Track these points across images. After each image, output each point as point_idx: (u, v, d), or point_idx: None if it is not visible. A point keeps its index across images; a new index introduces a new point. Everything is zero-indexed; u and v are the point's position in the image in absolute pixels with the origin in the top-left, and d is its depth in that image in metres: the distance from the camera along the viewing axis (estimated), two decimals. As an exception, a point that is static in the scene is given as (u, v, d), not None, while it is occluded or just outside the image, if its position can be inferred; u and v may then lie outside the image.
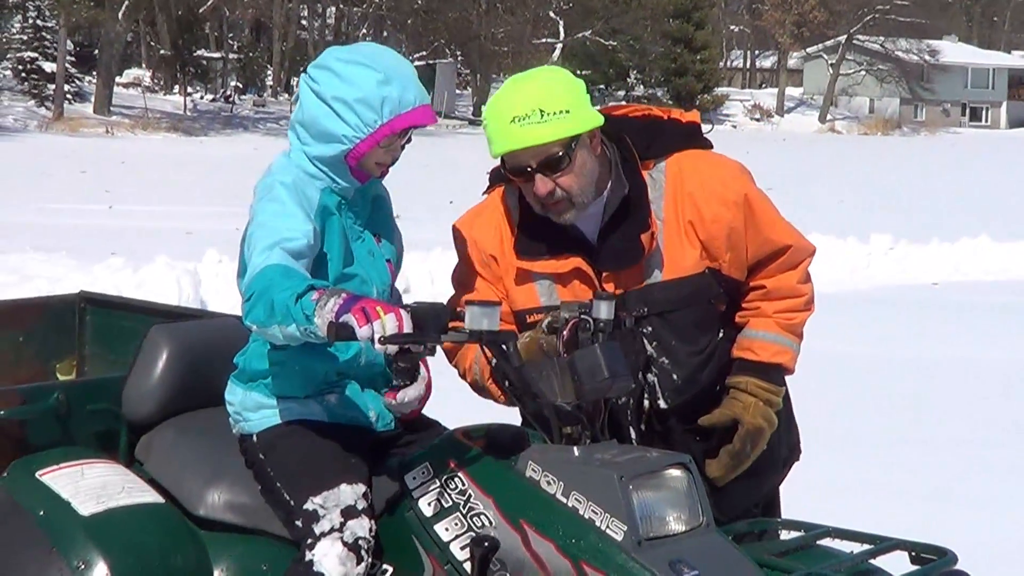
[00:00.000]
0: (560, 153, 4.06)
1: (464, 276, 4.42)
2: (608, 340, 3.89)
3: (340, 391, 4.09)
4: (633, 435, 4.32)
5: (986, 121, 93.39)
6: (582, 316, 3.90)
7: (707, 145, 4.39)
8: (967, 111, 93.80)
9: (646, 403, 4.32)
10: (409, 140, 4.08)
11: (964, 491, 8.81)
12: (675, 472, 3.76)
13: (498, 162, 4.19)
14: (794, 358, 4.39)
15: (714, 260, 4.29)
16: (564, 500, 3.68)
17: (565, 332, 3.89)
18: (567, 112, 4.05)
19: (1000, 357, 13.77)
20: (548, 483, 3.72)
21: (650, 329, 4.28)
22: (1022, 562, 7.29)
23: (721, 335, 4.38)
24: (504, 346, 3.77)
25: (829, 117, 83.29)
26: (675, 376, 4.30)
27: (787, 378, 4.43)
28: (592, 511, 3.64)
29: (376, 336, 3.49)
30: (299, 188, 3.96)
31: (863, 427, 10.51)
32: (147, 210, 26.28)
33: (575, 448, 3.77)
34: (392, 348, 3.53)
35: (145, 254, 15.97)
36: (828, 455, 8.97)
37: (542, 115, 4.03)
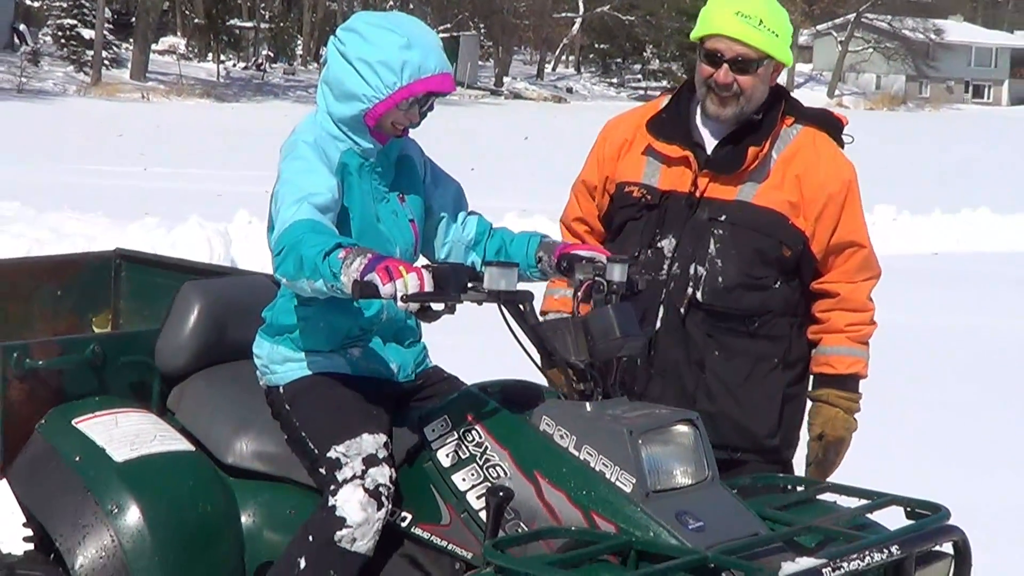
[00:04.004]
0: (752, 58, 4.45)
1: (589, 157, 4.82)
2: (620, 301, 3.90)
3: (363, 345, 4.10)
4: (659, 323, 4.50)
5: (988, 98, 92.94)
6: (596, 278, 3.92)
7: (840, 142, 4.70)
8: (970, 88, 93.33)
9: (689, 291, 4.49)
10: (431, 107, 4.07)
11: (960, 451, 8.84)
12: (683, 428, 3.77)
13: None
14: (866, 365, 4.65)
15: (804, 221, 4.51)
16: (576, 453, 3.69)
17: (580, 293, 3.91)
18: (777, 35, 4.48)
19: (998, 326, 13.80)
20: (561, 437, 3.73)
21: (720, 232, 4.51)
22: (1011, 518, 7.33)
23: (778, 285, 4.55)
24: (521, 306, 3.78)
25: (837, 92, 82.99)
26: (720, 279, 4.49)
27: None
28: (603, 464, 3.65)
29: (399, 294, 3.50)
30: (320, 146, 3.97)
31: (864, 389, 10.50)
32: (180, 172, 26.33)
33: (587, 404, 3.77)
34: (414, 306, 3.54)
35: (178, 214, 15.99)
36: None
37: (760, 23, 4.45)
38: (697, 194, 4.53)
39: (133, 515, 4.12)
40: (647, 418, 3.75)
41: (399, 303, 3.52)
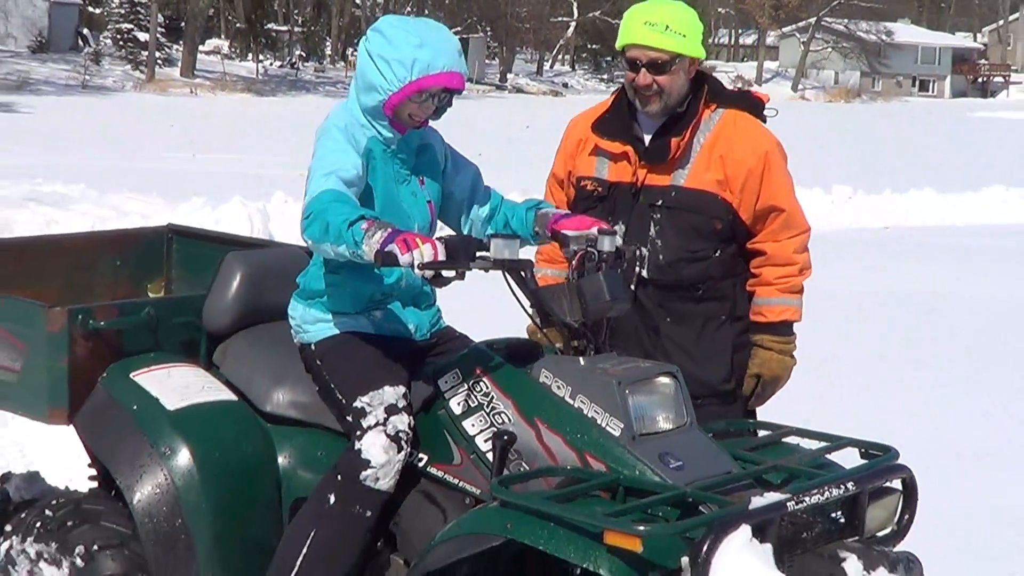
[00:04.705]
0: (665, 60, 4.44)
1: (557, 152, 4.82)
2: (609, 269, 3.89)
3: (385, 308, 4.08)
4: None
5: (933, 92, 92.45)
6: (588, 249, 3.90)
7: (762, 118, 4.68)
8: (917, 83, 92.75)
9: (637, 268, 4.53)
10: (449, 103, 4.04)
11: (906, 398, 8.85)
12: (664, 379, 3.76)
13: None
14: (797, 311, 4.65)
15: (731, 194, 4.52)
16: (571, 402, 3.69)
17: (574, 262, 3.90)
18: (684, 36, 4.45)
19: (938, 289, 13.84)
20: (558, 387, 3.73)
21: (658, 216, 4.53)
22: (948, 457, 7.34)
23: (718, 253, 4.57)
24: (522, 272, 3.77)
25: (800, 87, 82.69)
26: (661, 257, 4.52)
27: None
28: (595, 411, 3.65)
29: (415, 263, 3.50)
30: (350, 131, 3.95)
31: (824, 346, 10.51)
32: (224, 158, 26.27)
33: (581, 358, 3.77)
34: (429, 273, 3.54)
35: (222, 195, 15.92)
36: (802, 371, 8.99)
37: (666, 28, 4.43)
38: (638, 183, 4.56)
39: (184, 456, 4.11)
40: (633, 371, 3.74)
41: (416, 270, 3.53)
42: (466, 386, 3.87)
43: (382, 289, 4.07)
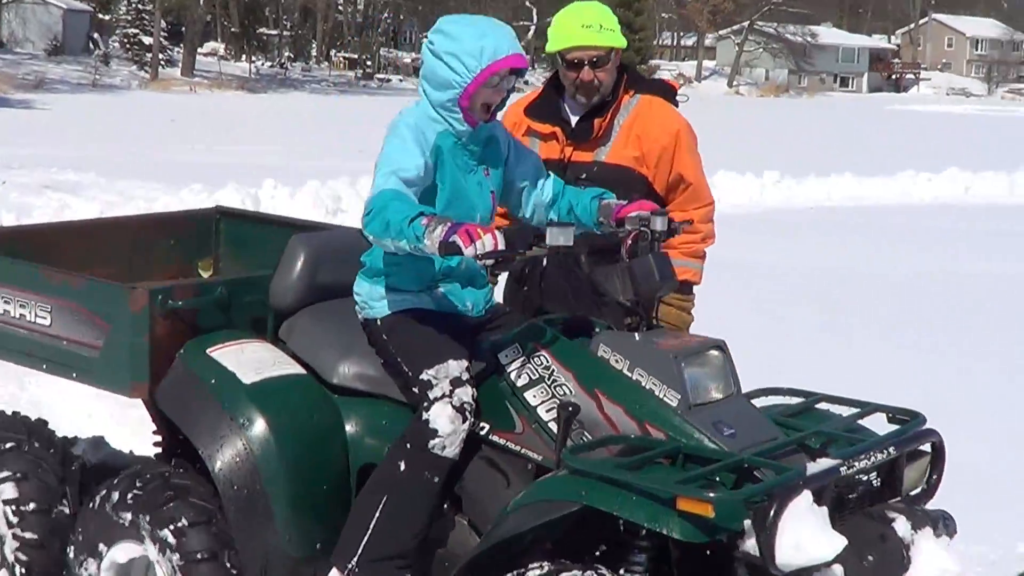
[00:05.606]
0: (604, 55, 4.47)
1: None
2: (659, 251, 3.74)
3: (445, 287, 3.95)
4: (545, 262, 4.55)
5: (852, 87, 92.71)
6: (642, 229, 3.76)
7: (674, 102, 4.72)
8: (838, 80, 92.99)
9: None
10: (514, 87, 3.90)
11: (827, 364, 8.66)
12: (715, 353, 3.64)
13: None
14: (697, 273, 4.67)
15: (647, 169, 4.55)
16: (630, 374, 3.56)
17: (629, 240, 3.75)
18: (613, 31, 4.49)
19: (855, 262, 13.92)
20: (616, 361, 3.59)
21: (583, 188, 4.44)
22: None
23: None
24: (580, 257, 3.65)
25: (735, 83, 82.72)
26: None
27: (707, 280, 4.75)
28: (652, 383, 3.52)
29: (478, 252, 3.37)
30: (420, 129, 3.79)
31: (761, 317, 10.44)
32: (220, 149, 25.89)
33: (636, 334, 3.64)
34: (489, 260, 3.41)
35: (218, 182, 15.71)
36: (737, 340, 8.86)
37: (601, 28, 4.46)
38: (565, 160, 4.56)
39: (260, 426, 3.96)
40: (686, 344, 3.62)
41: (478, 260, 3.39)
42: (526, 359, 3.73)
43: (442, 270, 3.92)
